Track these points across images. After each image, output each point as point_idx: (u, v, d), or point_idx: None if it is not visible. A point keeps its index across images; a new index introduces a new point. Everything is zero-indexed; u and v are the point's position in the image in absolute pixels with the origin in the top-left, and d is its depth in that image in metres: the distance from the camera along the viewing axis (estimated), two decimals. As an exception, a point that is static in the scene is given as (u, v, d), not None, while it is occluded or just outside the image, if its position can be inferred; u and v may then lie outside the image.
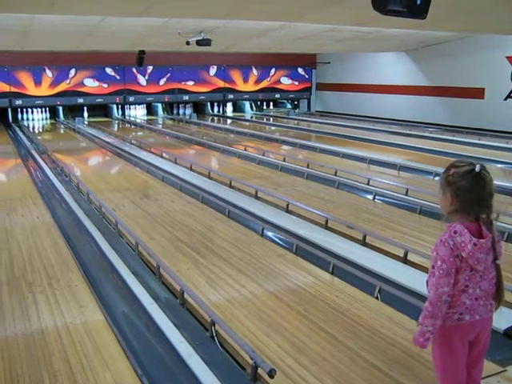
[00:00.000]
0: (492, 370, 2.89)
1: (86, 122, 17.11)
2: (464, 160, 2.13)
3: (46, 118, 17.55)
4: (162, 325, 3.45)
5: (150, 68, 18.00)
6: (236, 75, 19.57)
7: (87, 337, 3.30)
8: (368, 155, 9.79)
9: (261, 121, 18.07)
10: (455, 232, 2.05)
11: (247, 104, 20.67)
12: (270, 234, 5.45)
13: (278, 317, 3.57)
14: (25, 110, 17.15)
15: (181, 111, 19.72)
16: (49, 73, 16.73)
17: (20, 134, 14.47)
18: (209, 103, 19.88)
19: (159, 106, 19.34)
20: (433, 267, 2.07)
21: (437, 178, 7.51)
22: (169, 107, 19.48)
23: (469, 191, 2.06)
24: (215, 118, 18.96)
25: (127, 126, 17.11)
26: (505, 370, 2.92)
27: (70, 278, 4.27)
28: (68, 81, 16.99)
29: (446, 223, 2.13)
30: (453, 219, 2.12)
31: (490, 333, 2.24)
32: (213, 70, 19.17)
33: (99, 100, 17.67)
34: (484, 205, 2.08)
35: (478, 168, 2.05)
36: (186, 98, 18.96)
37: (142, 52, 14.68)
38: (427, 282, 2.17)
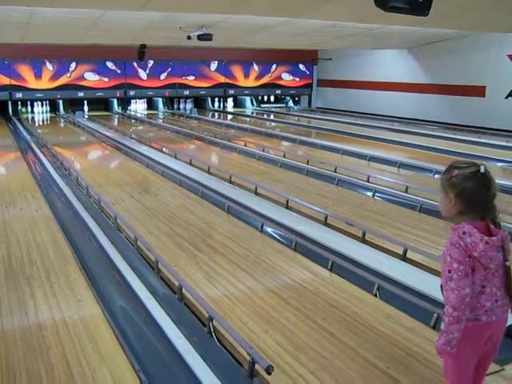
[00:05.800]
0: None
1: (86, 116, 17.08)
2: (465, 161, 2.11)
3: (47, 112, 17.53)
4: (159, 320, 3.44)
5: (151, 62, 17.95)
6: (237, 71, 19.52)
7: (85, 331, 3.29)
8: (368, 152, 9.77)
9: (261, 117, 18.03)
10: (464, 233, 2.02)
11: (248, 100, 20.62)
12: (269, 230, 5.44)
13: (276, 313, 3.57)
14: (25, 103, 17.12)
15: (181, 106, 19.68)
16: (49, 66, 16.68)
17: (20, 127, 14.45)
18: (209, 98, 19.82)
19: (160, 100, 19.30)
20: (449, 271, 2.01)
21: (437, 176, 7.50)
22: (169, 102, 19.45)
23: (475, 193, 2.03)
24: (216, 114, 18.93)
25: (127, 120, 17.08)
26: (502, 369, 2.92)
27: (68, 272, 4.26)
28: (68, 74, 16.94)
29: (452, 224, 2.10)
30: (457, 220, 2.09)
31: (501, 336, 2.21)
32: (214, 65, 19.11)
33: (99, 94, 17.62)
34: (489, 205, 2.06)
35: (482, 169, 2.03)
36: (186, 92, 18.91)
37: (143, 46, 14.65)
38: (441, 287, 2.12)
